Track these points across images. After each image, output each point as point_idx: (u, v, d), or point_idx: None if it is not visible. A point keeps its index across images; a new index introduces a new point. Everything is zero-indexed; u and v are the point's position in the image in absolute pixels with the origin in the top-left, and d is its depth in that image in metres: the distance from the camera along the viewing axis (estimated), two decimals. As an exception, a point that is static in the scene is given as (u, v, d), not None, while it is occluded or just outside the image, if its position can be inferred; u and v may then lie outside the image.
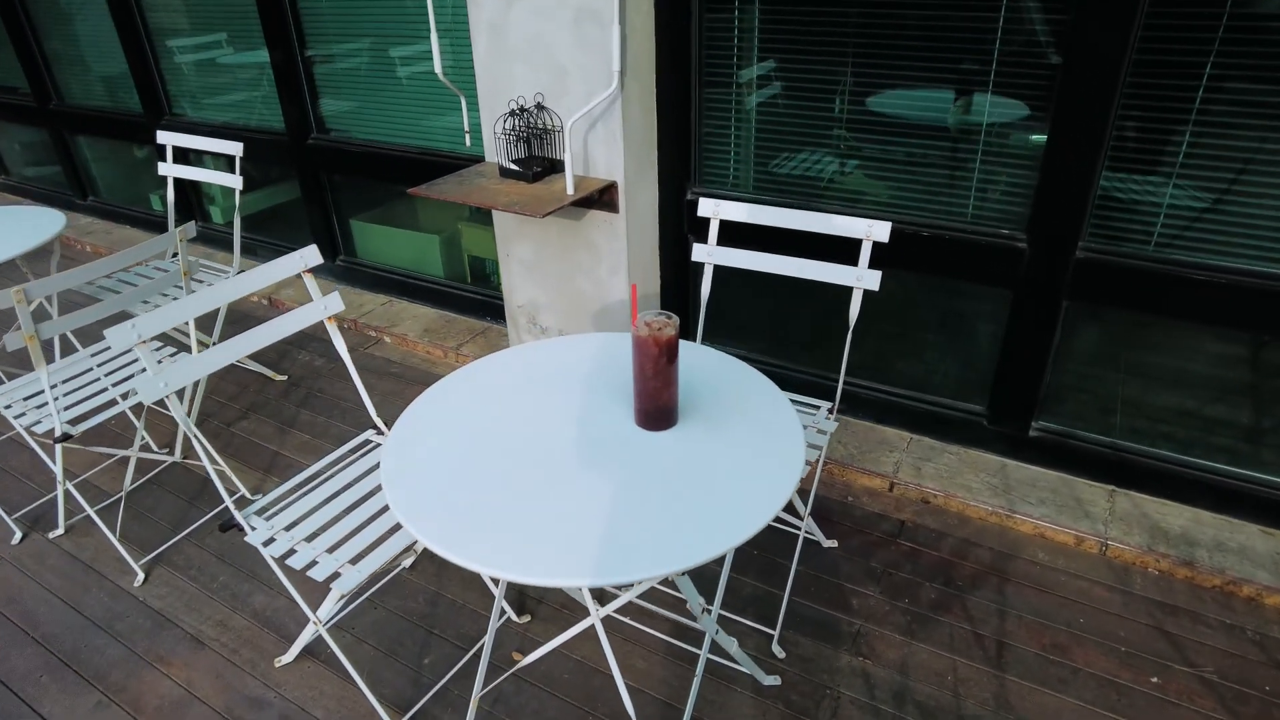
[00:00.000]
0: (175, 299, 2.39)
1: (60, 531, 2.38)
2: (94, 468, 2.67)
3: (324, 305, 1.87)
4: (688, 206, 2.62)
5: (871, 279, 1.87)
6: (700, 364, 1.60)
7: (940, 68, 2.13)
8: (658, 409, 1.28)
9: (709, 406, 1.43)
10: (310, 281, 1.86)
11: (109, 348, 2.47)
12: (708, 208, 2.05)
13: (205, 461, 1.70)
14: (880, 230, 1.85)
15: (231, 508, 1.69)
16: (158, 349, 2.44)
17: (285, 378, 3.15)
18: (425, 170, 3.16)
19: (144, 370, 1.67)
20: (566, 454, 1.31)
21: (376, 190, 3.57)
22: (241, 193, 2.82)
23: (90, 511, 2.30)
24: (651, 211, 2.67)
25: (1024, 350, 2.30)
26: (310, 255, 1.86)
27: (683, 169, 2.58)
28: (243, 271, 3.06)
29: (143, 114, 4.12)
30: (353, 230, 3.68)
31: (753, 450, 1.30)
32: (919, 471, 2.44)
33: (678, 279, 2.78)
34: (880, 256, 1.92)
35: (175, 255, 3.17)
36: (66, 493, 2.45)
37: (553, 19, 2.37)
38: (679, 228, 2.68)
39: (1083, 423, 2.35)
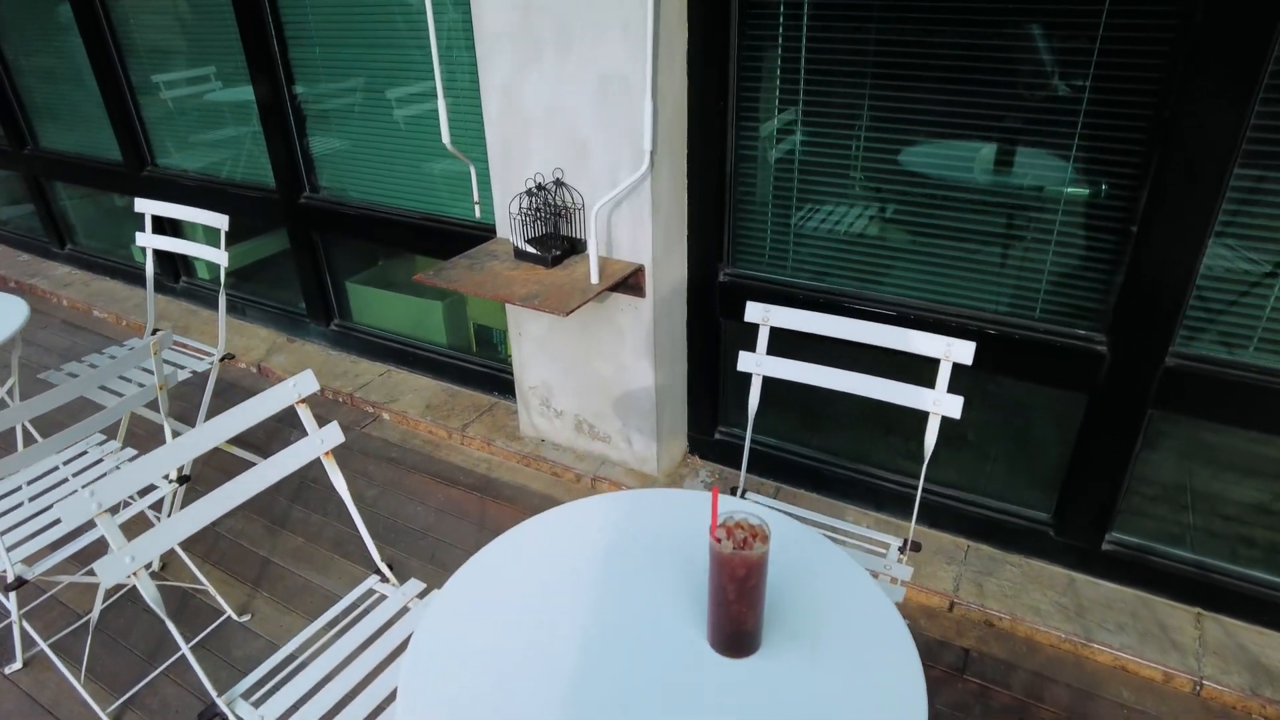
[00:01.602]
0: (143, 385, 2.13)
1: (18, 666, 2.10)
2: (59, 583, 2.39)
3: (321, 439, 1.62)
4: (720, 288, 2.39)
5: (951, 405, 1.64)
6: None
7: (1009, 131, 1.91)
8: (739, 634, 1.04)
9: (788, 608, 1.18)
10: (305, 414, 1.61)
11: (80, 451, 2.21)
12: (756, 313, 1.82)
13: (193, 573, 1.44)
14: (962, 351, 1.62)
15: (213, 694, 1.43)
16: (118, 450, 2.18)
17: (275, 463, 2.89)
18: (428, 238, 2.92)
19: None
20: (631, 685, 1.06)
21: (374, 250, 3.32)
22: (229, 245, 2.57)
23: (46, 648, 2.03)
24: (680, 291, 2.44)
25: (1099, 459, 2.07)
26: (305, 383, 1.61)
27: (715, 247, 2.35)
28: (227, 356, 2.83)
29: (123, 163, 3.86)
30: (348, 293, 3.43)
31: (860, 682, 1.06)
32: (980, 589, 2.20)
33: (707, 362, 2.54)
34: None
35: (155, 331, 2.91)
36: (24, 629, 2.18)
37: (574, 86, 2.14)
38: (709, 309, 2.44)
39: (1165, 538, 2.12)
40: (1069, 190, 1.87)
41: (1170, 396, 1.92)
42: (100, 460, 2.19)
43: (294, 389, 1.61)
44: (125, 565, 1.32)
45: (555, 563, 1.29)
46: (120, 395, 2.50)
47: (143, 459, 1.38)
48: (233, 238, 3.62)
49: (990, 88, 1.86)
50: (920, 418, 1.68)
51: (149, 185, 3.79)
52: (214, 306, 3.98)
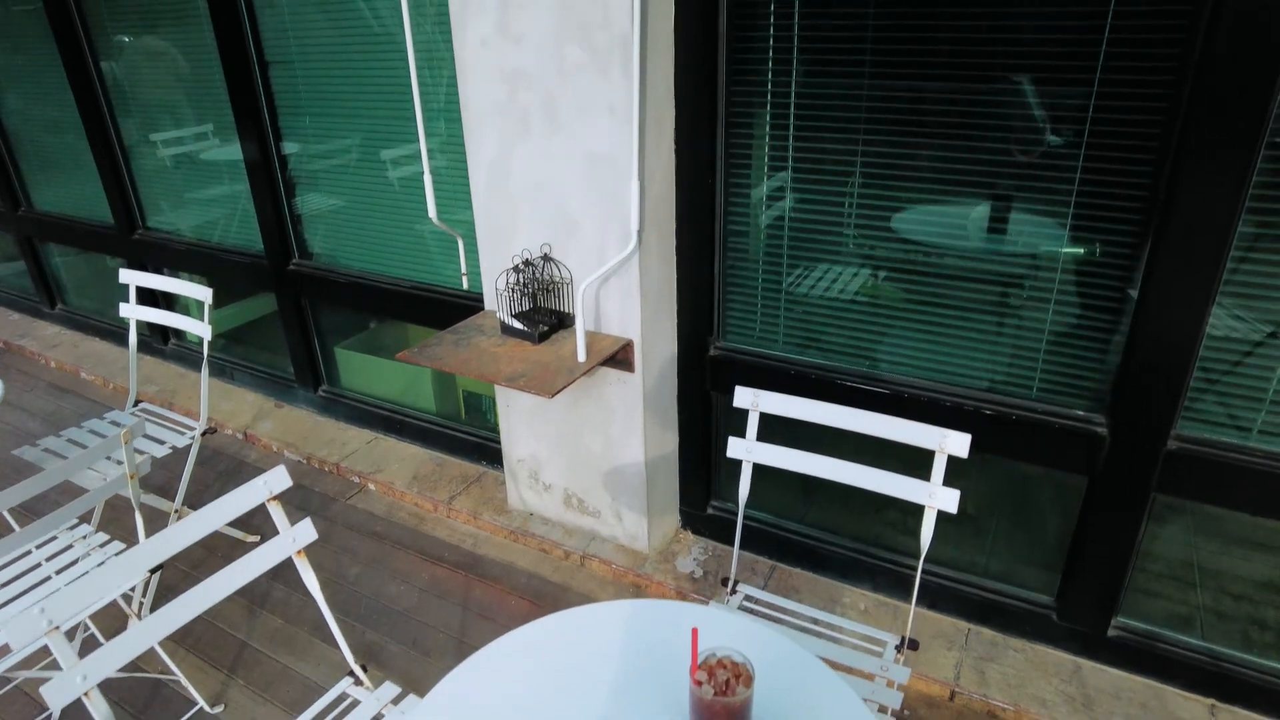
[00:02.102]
0: (121, 463, 2.06)
1: (-24, 766, 2.01)
2: (21, 672, 2.30)
3: (293, 537, 1.56)
4: (711, 363, 2.35)
5: (947, 499, 1.58)
6: (755, 658, 1.28)
7: (1001, 197, 1.88)
8: (724, 780, 0.96)
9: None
10: (277, 512, 1.55)
11: (52, 536, 2.14)
12: (745, 398, 1.77)
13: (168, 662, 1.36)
14: (957, 443, 1.57)
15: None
16: (88, 536, 2.11)
17: (258, 538, 2.81)
18: (417, 307, 2.88)
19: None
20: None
21: (364, 315, 3.29)
22: (218, 307, 2.52)
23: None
24: (670, 365, 2.39)
25: (1102, 542, 2.01)
26: (277, 480, 1.55)
27: (705, 322, 2.31)
28: (209, 430, 2.77)
29: (114, 225, 3.86)
30: (337, 358, 3.39)
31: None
32: (983, 676, 2.11)
33: (698, 437, 2.49)
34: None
35: (138, 403, 2.86)
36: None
37: (561, 163, 2.13)
38: (700, 384, 2.40)
39: (1174, 622, 2.04)
40: (1064, 258, 1.84)
41: (1173, 481, 1.86)
42: (71, 546, 2.11)
43: (265, 486, 1.55)
44: (76, 686, 1.25)
45: (535, 685, 1.22)
46: (97, 472, 2.43)
47: (105, 569, 1.32)
48: (222, 300, 3.60)
49: (980, 151, 1.84)
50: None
51: (140, 248, 3.78)
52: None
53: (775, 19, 1.93)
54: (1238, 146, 1.54)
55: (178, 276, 3.83)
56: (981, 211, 1.89)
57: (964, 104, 1.80)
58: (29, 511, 2.97)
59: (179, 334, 4.07)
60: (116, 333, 4.33)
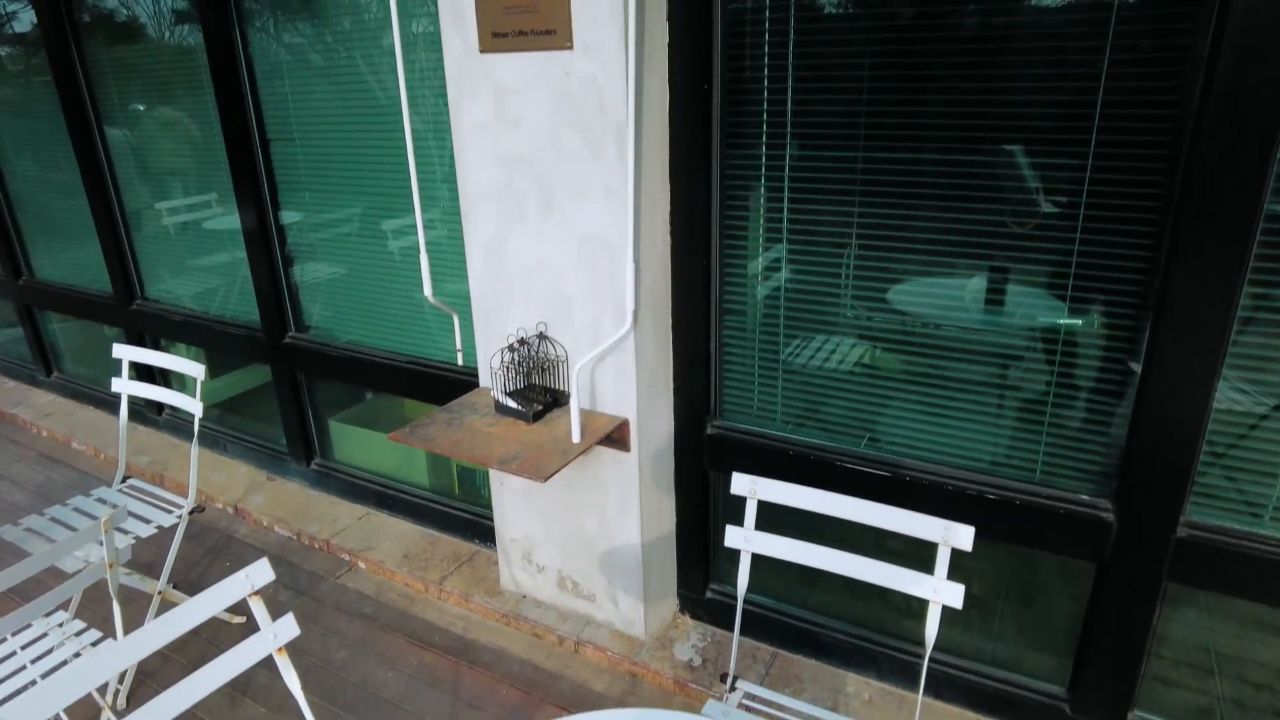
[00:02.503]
0: (101, 543, 2.01)
1: None
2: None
3: (274, 633, 1.50)
4: (709, 442, 2.31)
5: (952, 594, 1.53)
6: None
7: (999, 269, 1.87)
8: None
9: None
10: (259, 608, 1.49)
11: (27, 623, 2.07)
12: (743, 485, 1.73)
13: None
14: (960, 536, 1.53)
15: None
16: (64, 624, 2.04)
17: (243, 619, 2.73)
18: (412, 382, 2.86)
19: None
20: None
21: (359, 389, 3.27)
22: (212, 376, 2.50)
23: None
24: (666, 444, 2.36)
25: (1113, 631, 1.94)
26: (259, 573, 1.50)
27: (701, 400, 2.29)
28: (197, 509, 2.72)
29: (113, 295, 3.87)
30: (330, 431, 3.35)
31: None
32: (996, 775, 2.01)
33: (696, 518, 2.43)
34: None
35: (127, 479, 2.82)
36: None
37: (557, 244, 2.13)
38: (698, 463, 2.35)
39: (1195, 716, 1.96)
40: (1064, 332, 1.82)
41: (1185, 570, 1.81)
42: (47, 634, 2.04)
43: (247, 580, 1.50)
44: (35, 807, 1.17)
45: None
46: (80, 555, 2.37)
47: (79, 666, 1.26)
48: (218, 369, 3.58)
49: (975, 222, 1.85)
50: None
51: (138, 318, 3.78)
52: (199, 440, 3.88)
53: (769, 99, 1.96)
54: (1237, 216, 1.54)
55: (174, 347, 3.83)
56: (979, 284, 1.88)
57: (959, 174, 1.81)
58: (7, 594, 2.89)
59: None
60: (111, 402, 4.30)
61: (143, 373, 3.89)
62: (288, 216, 3.04)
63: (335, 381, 3.21)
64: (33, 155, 4.01)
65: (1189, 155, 1.55)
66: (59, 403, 4.52)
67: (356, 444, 3.30)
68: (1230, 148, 1.50)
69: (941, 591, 1.54)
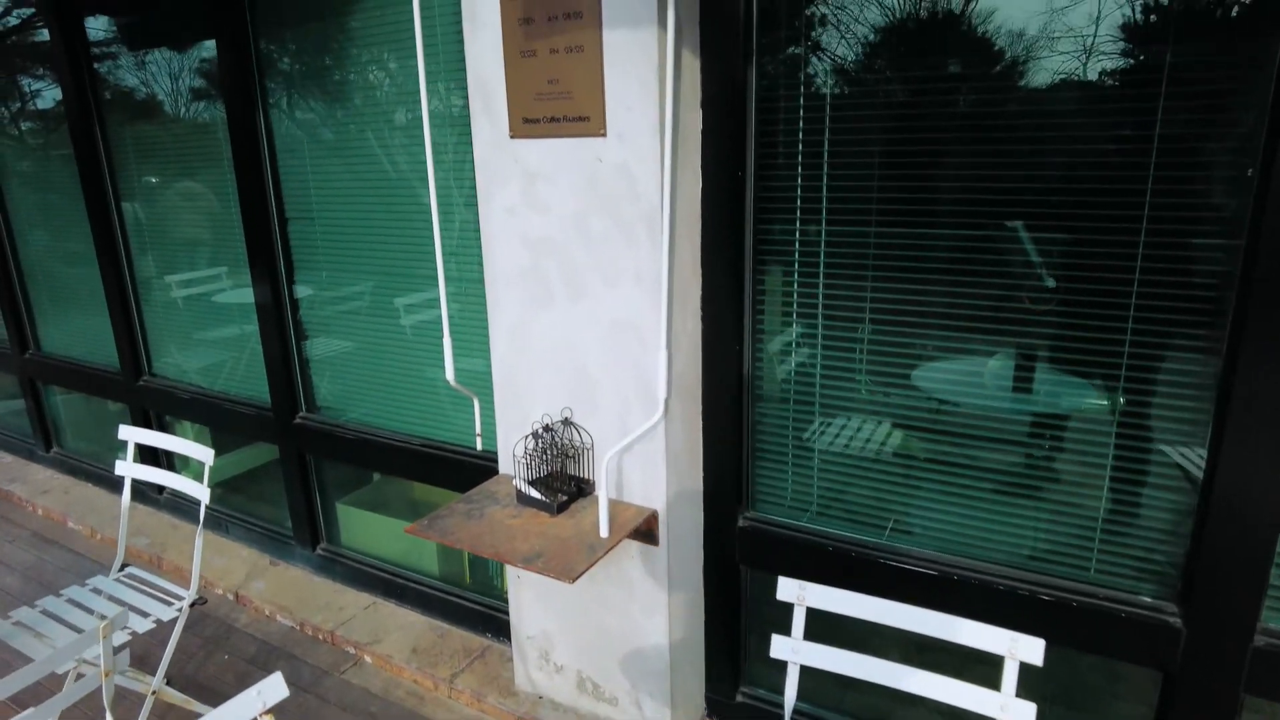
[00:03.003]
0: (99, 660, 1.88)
1: None
2: None
3: (283, 761, 1.37)
4: (740, 534, 2.20)
5: (1022, 713, 1.40)
6: None
7: (1043, 337, 1.79)
8: None
9: None
10: (267, 733, 1.37)
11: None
12: (790, 591, 1.62)
13: None
14: (1029, 649, 1.41)
15: None
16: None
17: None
18: (427, 466, 2.77)
19: None
20: None
21: (370, 471, 3.16)
22: (216, 454, 2.40)
23: None
24: (695, 537, 2.25)
25: (1186, 748, 1.79)
26: (272, 690, 1.38)
27: (733, 490, 2.19)
28: (198, 601, 2.59)
29: (120, 371, 3.80)
30: (338, 515, 3.23)
31: None
32: None
33: (726, 616, 2.30)
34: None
35: (125, 567, 2.69)
36: None
37: (584, 329, 2.07)
38: (729, 557, 2.24)
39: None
40: (1118, 419, 1.74)
41: (1265, 682, 1.68)
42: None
43: (259, 697, 1.38)
44: None
45: None
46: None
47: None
48: (220, 447, 3.49)
49: (1020, 300, 1.78)
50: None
51: (143, 395, 3.71)
52: (198, 521, 3.75)
53: (802, 182, 1.94)
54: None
55: (179, 424, 3.74)
56: (1018, 366, 1.81)
57: (1004, 251, 1.76)
58: None
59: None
60: (110, 479, 4.18)
61: (146, 451, 3.79)
62: (303, 294, 3.00)
63: (346, 464, 3.11)
64: (47, 227, 4.01)
65: (1257, 225, 1.50)
66: (57, 479, 4.40)
67: (364, 528, 3.17)
68: (1294, 240, 1.45)
69: (1010, 710, 1.41)
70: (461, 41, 2.07)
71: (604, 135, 1.89)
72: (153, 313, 3.64)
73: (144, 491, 3.97)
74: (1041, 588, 1.86)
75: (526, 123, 1.99)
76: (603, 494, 1.94)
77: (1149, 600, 1.78)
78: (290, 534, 3.35)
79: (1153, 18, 1.56)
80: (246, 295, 3.13)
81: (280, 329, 3.02)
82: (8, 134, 4.02)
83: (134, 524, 3.81)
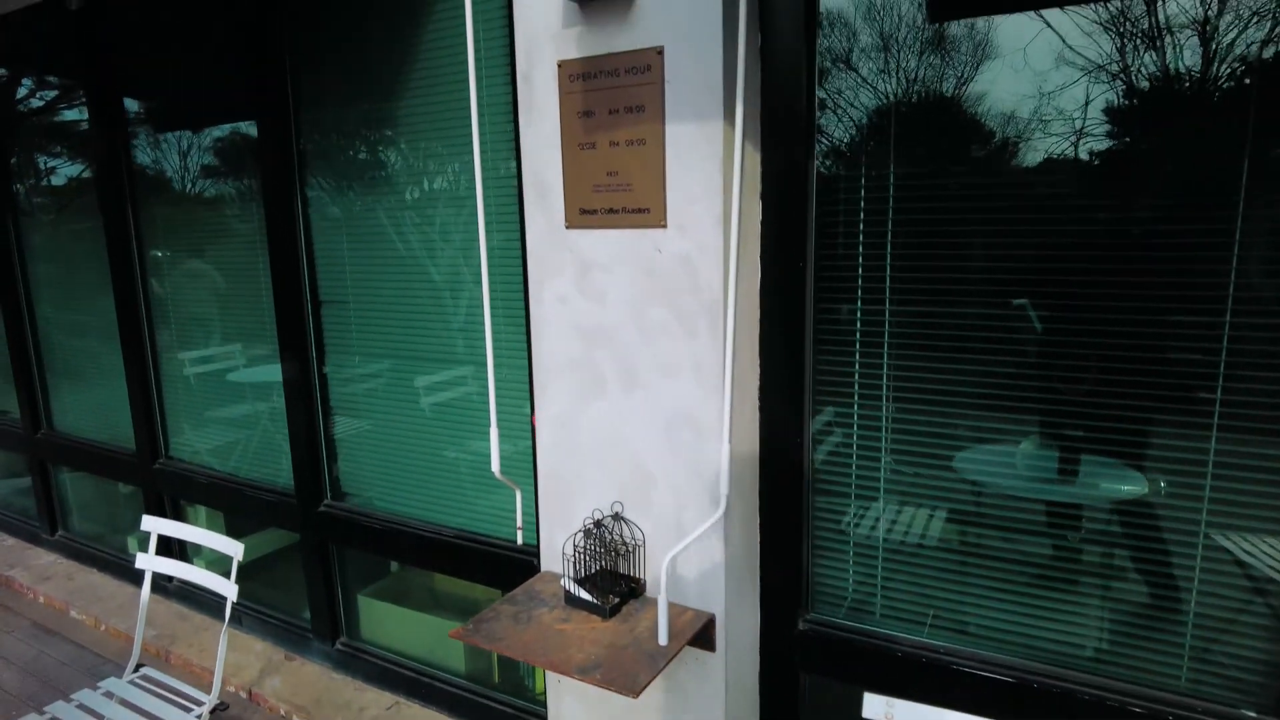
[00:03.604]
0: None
1: None
2: None
3: None
4: (799, 639, 2.08)
5: None
6: None
7: (1128, 434, 1.72)
8: None
9: None
10: None
11: None
12: (876, 708, 1.51)
13: None
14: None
15: None
16: None
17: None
18: (459, 558, 2.66)
19: None
20: None
21: (398, 562, 3.04)
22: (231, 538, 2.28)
23: None
24: (752, 641, 2.13)
25: None
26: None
27: (793, 592, 2.08)
28: (220, 706, 2.44)
29: (136, 453, 3.70)
30: (359, 607, 3.09)
31: None
32: None
33: (783, 724, 2.16)
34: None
35: (140, 667, 2.54)
36: None
37: (638, 421, 2.01)
38: (788, 662, 2.12)
39: None
40: (1205, 525, 1.65)
41: (1388, 812, 1.55)
42: None
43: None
44: None
45: None
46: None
47: None
48: (236, 532, 3.37)
49: (1113, 385, 1.72)
50: None
51: (160, 478, 3.61)
52: (209, 610, 3.60)
53: (864, 266, 1.91)
54: None
55: (194, 509, 3.63)
56: (1104, 463, 1.74)
57: (1101, 335, 1.71)
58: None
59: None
60: (117, 564, 4.04)
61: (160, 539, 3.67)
62: (333, 379, 2.94)
63: (375, 554, 3.00)
64: (67, 302, 3.97)
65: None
66: (60, 564, 4.24)
67: (387, 622, 3.03)
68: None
69: None
70: (508, 130, 2.07)
71: (664, 226, 1.87)
72: (173, 393, 3.57)
73: (154, 580, 3.81)
74: (1131, 699, 1.74)
75: (583, 213, 1.97)
76: (662, 599, 1.84)
77: (1252, 715, 1.66)
78: (308, 627, 3.20)
79: (1230, 101, 1.55)
80: (269, 375, 3.07)
81: (308, 413, 2.95)
82: (34, 209, 4.03)
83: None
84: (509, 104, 2.29)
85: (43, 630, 3.68)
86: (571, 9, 1.88)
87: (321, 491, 3.02)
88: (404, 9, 2.49)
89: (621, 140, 1.87)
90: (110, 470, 3.92)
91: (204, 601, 3.62)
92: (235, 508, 3.38)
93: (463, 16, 2.08)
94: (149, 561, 2.51)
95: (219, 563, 2.85)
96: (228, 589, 2.27)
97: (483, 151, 2.37)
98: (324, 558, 3.06)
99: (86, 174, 3.70)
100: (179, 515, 3.63)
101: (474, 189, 2.30)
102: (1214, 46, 1.55)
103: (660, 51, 1.78)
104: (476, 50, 2.08)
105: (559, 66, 1.93)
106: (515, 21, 2.00)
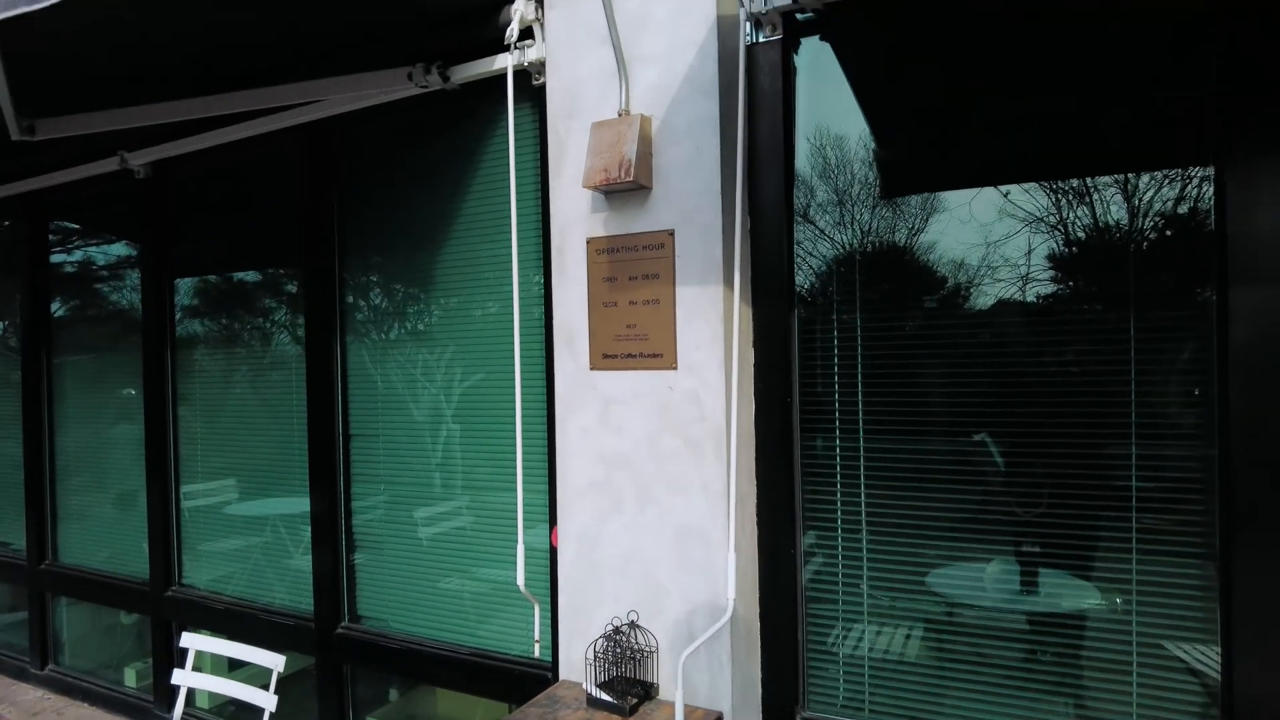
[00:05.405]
0: None
1: None
2: None
3: None
4: (797, 736, 2.30)
5: None
6: None
7: (1110, 570, 2.03)
8: None
9: None
10: None
11: None
12: (870, 783, 1.74)
13: None
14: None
15: None
16: None
17: None
18: (475, 676, 2.83)
19: None
20: None
21: (412, 682, 3.18)
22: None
23: None
24: (755, 739, 2.33)
25: None
26: None
27: (790, 689, 2.31)
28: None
29: (147, 580, 3.83)
30: (369, 730, 3.19)
31: None
32: None
33: (785, 824, 2.33)
34: None
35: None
36: None
37: (651, 535, 2.30)
38: (786, 760, 2.32)
39: None
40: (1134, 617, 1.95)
41: None
42: None
43: None
44: None
45: None
46: None
47: None
48: (239, 664, 3.48)
49: (1082, 508, 2.05)
50: None
51: (170, 606, 3.72)
52: (206, 741, 3.62)
53: (839, 403, 2.28)
54: None
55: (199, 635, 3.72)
56: (1068, 578, 2.05)
57: (1053, 461, 2.07)
58: None
59: (189, 698, 3.81)
60: (109, 697, 4.04)
61: (162, 662, 3.74)
62: (359, 505, 3.19)
63: (395, 674, 3.14)
64: (90, 438, 4.19)
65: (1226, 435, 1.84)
66: (48, 700, 4.22)
67: (397, 744, 3.13)
68: None
69: None
70: (536, 285, 2.49)
71: (675, 368, 2.26)
72: (193, 521, 3.75)
73: (151, 709, 3.84)
74: (1093, 783, 1.98)
75: (606, 358, 2.36)
76: (679, 699, 2.08)
77: (1194, 792, 1.91)
78: (316, 752, 3.26)
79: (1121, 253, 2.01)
80: (289, 507, 3.30)
81: (333, 540, 3.18)
82: (68, 346, 4.32)
83: (139, 746, 3.65)
84: (538, 261, 2.71)
85: (32, 767, 3.65)
86: (599, 199, 2.36)
87: (339, 615, 3.19)
88: (444, 185, 2.97)
89: (640, 300, 2.29)
90: (118, 599, 4.01)
91: (204, 732, 3.64)
92: (248, 633, 3.49)
93: (491, 189, 2.55)
94: (185, 678, 2.64)
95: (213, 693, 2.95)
96: (268, 700, 2.43)
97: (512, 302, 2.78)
98: (337, 682, 3.19)
99: (125, 315, 4.04)
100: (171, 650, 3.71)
101: (501, 335, 2.70)
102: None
103: (671, 233, 2.24)
104: (519, 225, 2.53)
105: (588, 242, 2.38)
106: (550, 207, 2.47)
